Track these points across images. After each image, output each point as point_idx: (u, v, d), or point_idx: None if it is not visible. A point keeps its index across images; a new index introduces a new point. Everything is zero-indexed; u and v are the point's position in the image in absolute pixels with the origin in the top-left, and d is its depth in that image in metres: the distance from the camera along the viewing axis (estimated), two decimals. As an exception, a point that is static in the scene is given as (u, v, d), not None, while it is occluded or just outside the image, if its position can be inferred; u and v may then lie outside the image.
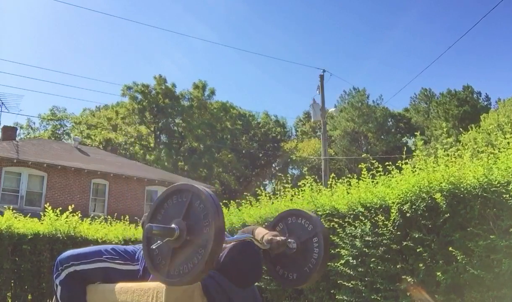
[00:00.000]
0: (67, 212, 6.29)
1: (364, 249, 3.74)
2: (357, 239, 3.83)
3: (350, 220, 3.96)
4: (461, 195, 3.23)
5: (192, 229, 1.60)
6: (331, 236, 4.09)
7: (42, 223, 6.11)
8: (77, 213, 6.49)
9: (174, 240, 1.61)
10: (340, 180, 4.63)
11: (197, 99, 34.23)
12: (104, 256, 2.03)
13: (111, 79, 69.14)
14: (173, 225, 1.62)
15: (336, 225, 4.04)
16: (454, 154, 3.60)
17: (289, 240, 2.08)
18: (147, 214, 1.81)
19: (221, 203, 1.96)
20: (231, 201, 6.25)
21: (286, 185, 5.20)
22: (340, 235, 4.00)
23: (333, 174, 5.11)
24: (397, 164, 3.96)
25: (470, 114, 30.01)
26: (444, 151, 3.62)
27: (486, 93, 34.92)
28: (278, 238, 1.99)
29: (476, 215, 3.12)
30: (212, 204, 1.56)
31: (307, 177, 4.90)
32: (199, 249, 1.54)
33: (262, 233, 2.01)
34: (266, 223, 4.96)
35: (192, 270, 1.54)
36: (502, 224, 3.01)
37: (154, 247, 1.65)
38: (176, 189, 1.70)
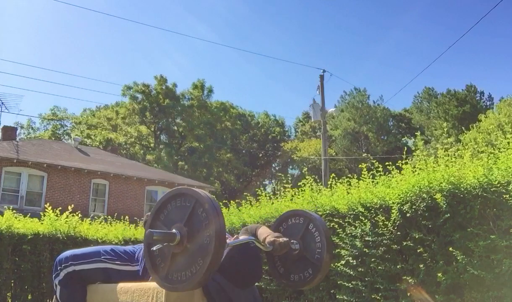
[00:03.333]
0: (67, 212, 6.29)
1: (364, 249, 3.74)
2: (357, 239, 3.83)
3: (350, 220, 3.96)
4: (461, 195, 3.23)
5: (192, 236, 1.60)
6: (331, 236, 4.09)
7: (42, 223, 6.11)
8: (77, 213, 6.49)
9: (175, 246, 1.61)
10: (340, 180, 4.62)
11: (197, 99, 34.24)
12: (103, 257, 2.04)
13: (111, 79, 69.20)
14: (174, 230, 1.62)
15: (336, 225, 4.04)
16: (454, 154, 3.60)
17: (292, 241, 2.05)
18: (150, 213, 1.80)
19: (221, 203, 1.96)
20: (231, 201, 6.24)
21: (286, 185, 5.20)
22: (340, 235, 3.99)
23: (333, 174, 5.11)
24: (397, 164, 3.96)
25: (470, 114, 29.97)
26: (444, 151, 3.62)
27: (489, 93, 34.85)
28: (281, 239, 1.95)
29: (476, 215, 3.11)
30: (214, 214, 1.55)
31: (307, 177, 4.90)
32: (199, 259, 1.53)
33: (264, 234, 1.99)
34: (266, 224, 4.96)
35: (190, 279, 1.54)
36: (502, 224, 3.01)
37: (154, 249, 1.65)
38: (180, 193, 1.70)
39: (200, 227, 1.58)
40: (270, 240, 1.94)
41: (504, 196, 2.99)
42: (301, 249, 2.06)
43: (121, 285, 1.92)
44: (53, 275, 2.05)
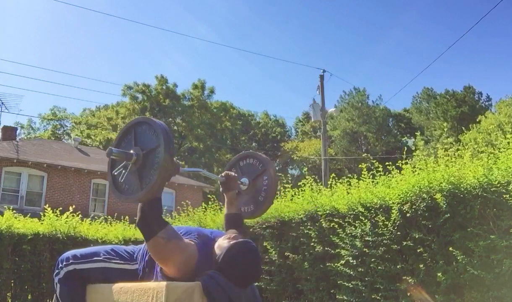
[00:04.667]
0: (68, 213, 6.29)
1: (364, 249, 3.74)
2: (357, 239, 3.83)
3: (350, 220, 3.96)
4: (461, 195, 3.23)
5: (147, 156, 1.84)
6: (331, 236, 4.10)
7: (42, 223, 6.11)
8: (77, 213, 6.50)
9: (132, 164, 1.85)
10: (340, 180, 4.63)
11: (197, 99, 34.24)
12: (103, 256, 2.05)
13: (111, 79, 69.14)
14: (131, 151, 1.87)
15: (336, 225, 4.04)
16: (454, 154, 3.60)
17: (242, 179, 2.40)
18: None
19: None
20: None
21: (286, 185, 5.20)
22: (340, 235, 4.00)
23: (333, 174, 5.12)
24: (397, 164, 3.97)
25: (469, 114, 29.95)
26: (444, 151, 3.62)
27: (487, 94, 34.89)
28: (231, 172, 2.32)
29: (476, 215, 3.12)
30: (163, 133, 1.79)
31: (307, 177, 4.90)
32: (151, 172, 1.79)
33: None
34: (266, 223, 4.97)
35: (144, 189, 1.77)
36: (502, 224, 3.01)
37: (115, 173, 1.91)
38: (138, 122, 1.97)
39: (153, 149, 1.82)
40: (222, 174, 2.30)
41: (504, 196, 3.00)
42: (250, 186, 2.40)
43: (121, 285, 1.92)
44: (54, 274, 2.06)
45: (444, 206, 3.24)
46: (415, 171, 3.70)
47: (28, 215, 6.35)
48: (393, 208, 3.57)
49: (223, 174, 2.32)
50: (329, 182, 4.84)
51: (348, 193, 4.27)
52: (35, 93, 58.28)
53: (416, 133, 13.58)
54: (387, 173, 4.02)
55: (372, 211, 3.81)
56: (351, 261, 3.86)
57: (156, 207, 1.82)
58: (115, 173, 1.91)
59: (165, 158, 1.74)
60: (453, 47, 52.57)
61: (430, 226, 3.38)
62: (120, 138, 2.01)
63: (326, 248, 4.16)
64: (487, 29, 47.73)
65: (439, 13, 52.88)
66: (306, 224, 4.44)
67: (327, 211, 4.27)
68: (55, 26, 55.51)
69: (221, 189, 2.36)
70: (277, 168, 41.04)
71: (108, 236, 6.60)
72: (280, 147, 39.76)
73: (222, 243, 1.89)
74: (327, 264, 4.12)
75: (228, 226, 2.20)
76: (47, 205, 6.41)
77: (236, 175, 2.33)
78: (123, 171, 1.89)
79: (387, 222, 3.59)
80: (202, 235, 2.00)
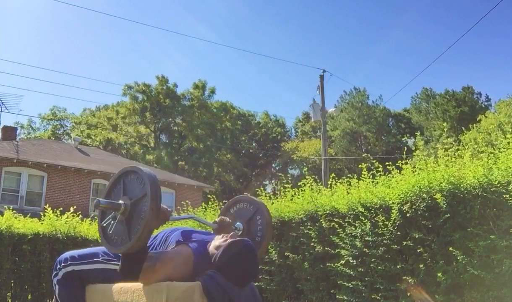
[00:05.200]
0: (68, 213, 6.29)
1: (364, 249, 3.74)
2: (357, 239, 3.83)
3: (350, 220, 3.96)
4: (461, 195, 3.23)
5: (135, 206, 1.84)
6: (331, 236, 4.10)
7: (42, 223, 6.11)
8: (77, 213, 6.50)
9: (120, 214, 1.85)
10: (340, 180, 4.62)
11: (197, 99, 34.23)
12: (101, 257, 2.05)
13: (111, 79, 69.16)
14: (120, 201, 1.87)
15: (336, 225, 4.04)
16: (454, 154, 3.60)
17: (236, 224, 2.38)
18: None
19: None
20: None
21: (286, 185, 5.19)
22: (340, 235, 3.99)
23: (333, 174, 5.11)
24: (397, 164, 3.96)
25: (468, 114, 29.95)
26: (444, 151, 3.62)
27: (486, 94, 34.89)
28: (226, 218, 2.32)
29: (476, 215, 3.12)
30: (150, 183, 1.79)
31: (307, 177, 4.90)
32: (138, 225, 1.78)
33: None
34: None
35: (130, 241, 1.76)
36: (502, 224, 3.01)
37: (104, 224, 1.90)
38: (124, 172, 1.97)
39: (140, 198, 1.82)
40: (216, 219, 2.28)
41: (504, 196, 2.99)
42: (245, 230, 2.37)
43: (121, 285, 1.92)
44: (53, 275, 2.06)
45: (444, 206, 3.24)
46: (415, 171, 3.70)
47: (28, 215, 6.35)
48: (393, 208, 3.57)
49: (217, 220, 2.29)
50: (329, 182, 4.84)
51: (348, 193, 4.27)
52: (35, 93, 58.31)
53: (416, 133, 13.56)
54: (387, 173, 4.02)
55: (372, 211, 3.81)
56: (351, 261, 3.86)
57: (140, 257, 1.79)
58: (104, 225, 1.91)
59: (151, 207, 1.73)
60: (453, 47, 52.56)
61: (430, 226, 3.38)
62: (110, 188, 2.00)
63: (326, 248, 4.15)
64: (487, 29, 47.76)
65: (439, 13, 52.89)
66: (306, 224, 4.44)
67: (327, 211, 4.27)
68: (55, 26, 55.52)
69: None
70: (277, 168, 41.04)
71: (108, 236, 6.59)
72: (280, 147, 39.75)
73: (219, 243, 1.89)
74: (327, 264, 4.11)
75: None
76: (47, 205, 6.41)
77: (230, 221, 2.32)
78: (112, 222, 1.88)
79: (387, 222, 3.59)
80: (192, 234, 2.02)
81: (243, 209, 2.47)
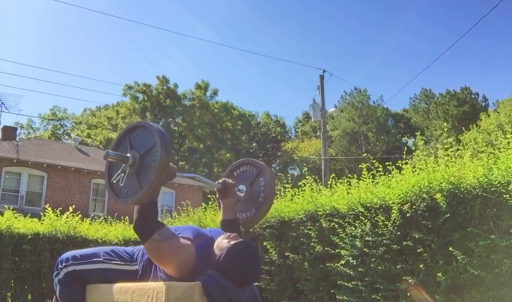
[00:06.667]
0: (68, 213, 6.30)
1: (364, 249, 3.74)
2: (357, 239, 3.83)
3: (350, 220, 3.96)
4: (461, 195, 3.23)
5: (143, 159, 1.84)
6: (331, 236, 4.10)
7: (42, 223, 6.12)
8: (77, 213, 6.50)
9: (129, 167, 1.85)
10: (340, 180, 4.62)
11: (198, 99, 34.22)
12: (102, 257, 2.04)
13: (111, 79, 69.10)
14: (128, 154, 1.87)
15: (336, 225, 4.04)
16: (454, 154, 3.60)
17: (240, 186, 2.41)
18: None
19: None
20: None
21: (286, 185, 5.20)
22: (340, 235, 3.99)
23: (333, 174, 5.11)
24: (397, 164, 3.96)
25: (470, 114, 29.96)
26: (444, 151, 3.62)
27: (483, 94, 34.94)
28: (229, 179, 2.36)
29: (476, 215, 3.12)
30: (160, 136, 1.79)
31: (307, 177, 4.90)
32: (148, 176, 1.79)
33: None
34: (266, 223, 4.97)
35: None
36: (502, 224, 3.01)
37: (114, 180, 1.90)
38: (135, 126, 1.97)
39: (149, 149, 1.82)
40: (220, 180, 2.33)
41: (504, 196, 3.00)
42: (248, 192, 2.41)
43: (121, 285, 1.92)
44: (54, 275, 2.06)
45: (444, 206, 3.24)
46: (415, 171, 3.70)
47: (28, 215, 6.36)
48: (393, 208, 3.57)
49: (220, 181, 2.33)
50: (329, 182, 4.84)
51: (348, 193, 4.27)
52: (35, 93, 58.28)
53: (416, 133, 13.56)
54: (387, 173, 4.02)
55: (372, 211, 3.81)
56: (351, 261, 3.86)
57: (152, 209, 1.82)
58: (114, 181, 1.91)
59: (161, 155, 1.74)
60: (453, 47, 52.81)
61: (430, 226, 3.38)
62: (115, 145, 2.00)
63: (326, 248, 4.16)
64: (487, 29, 47.72)
65: (439, 13, 52.90)
66: (306, 224, 4.44)
67: (327, 211, 4.27)
68: (55, 26, 55.55)
69: (217, 196, 2.37)
70: (277, 168, 41.06)
71: (108, 236, 6.60)
72: (280, 147, 39.76)
73: (221, 243, 1.89)
74: (327, 264, 4.12)
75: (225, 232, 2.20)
76: (47, 205, 6.41)
77: (233, 182, 2.35)
78: (122, 174, 1.89)
79: (387, 222, 3.59)
80: (200, 234, 2.00)
81: (247, 172, 2.50)
